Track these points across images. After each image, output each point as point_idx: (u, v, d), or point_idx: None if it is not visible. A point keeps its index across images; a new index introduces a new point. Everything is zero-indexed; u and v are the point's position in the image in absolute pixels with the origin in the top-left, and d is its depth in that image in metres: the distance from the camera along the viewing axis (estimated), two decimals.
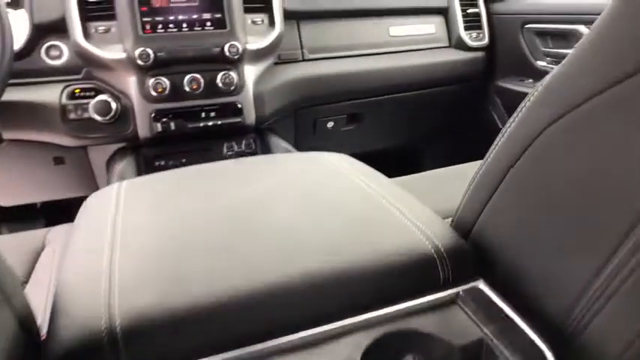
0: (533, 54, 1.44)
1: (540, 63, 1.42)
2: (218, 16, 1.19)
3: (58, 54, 1.16)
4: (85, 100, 1.15)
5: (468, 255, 0.56)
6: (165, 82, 1.13)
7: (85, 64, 1.16)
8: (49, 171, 1.32)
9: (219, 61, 1.18)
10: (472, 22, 1.54)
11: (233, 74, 1.18)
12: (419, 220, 0.58)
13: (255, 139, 1.31)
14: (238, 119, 1.22)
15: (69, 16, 1.10)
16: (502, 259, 0.55)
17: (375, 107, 1.51)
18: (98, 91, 1.16)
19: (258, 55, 1.24)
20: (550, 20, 1.35)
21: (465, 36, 1.52)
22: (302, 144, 1.50)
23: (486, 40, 1.55)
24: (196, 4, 1.17)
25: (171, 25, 1.16)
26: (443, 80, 1.54)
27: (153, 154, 1.23)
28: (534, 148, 0.50)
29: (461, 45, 1.53)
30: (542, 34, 1.40)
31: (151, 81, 1.13)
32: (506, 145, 0.56)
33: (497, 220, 0.56)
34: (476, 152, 1.80)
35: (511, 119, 0.56)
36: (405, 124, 1.70)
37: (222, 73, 1.18)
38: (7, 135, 1.16)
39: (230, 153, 1.29)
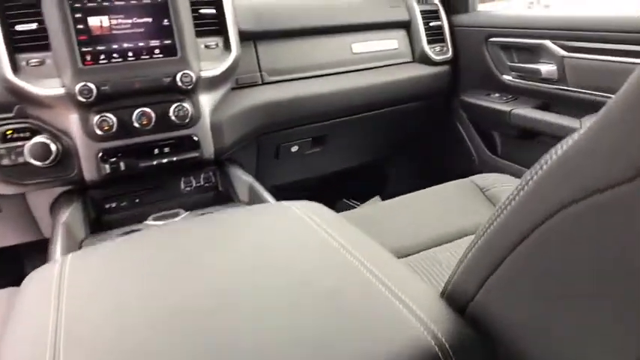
0: (499, 68, 1.41)
1: (506, 77, 1.39)
2: (167, 42, 1.09)
3: None
4: (20, 143, 1.02)
5: (477, 351, 0.49)
6: (112, 118, 1.02)
7: (17, 101, 1.03)
8: None
9: (171, 92, 1.08)
10: (435, 36, 1.49)
11: (187, 105, 1.09)
12: (412, 300, 0.51)
13: (215, 171, 1.21)
14: (195, 154, 1.12)
15: None
16: (510, 347, 0.49)
17: (340, 128, 1.45)
18: (34, 132, 1.04)
19: (213, 83, 1.15)
20: (515, 34, 1.32)
21: (429, 50, 1.47)
22: (265, 171, 1.42)
23: (450, 54, 1.51)
24: (142, 30, 1.07)
25: (115, 55, 1.04)
26: (408, 97, 1.49)
27: (102, 196, 1.12)
28: (549, 228, 0.44)
29: (425, 59, 1.48)
30: (507, 47, 1.37)
31: (96, 118, 1.01)
32: (513, 218, 0.49)
33: (500, 302, 0.50)
34: (443, 166, 1.79)
35: (516, 190, 0.49)
36: (371, 143, 1.64)
37: (175, 104, 1.08)
38: None
39: (188, 189, 1.19)
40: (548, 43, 1.22)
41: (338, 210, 1.99)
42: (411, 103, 1.52)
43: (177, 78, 1.06)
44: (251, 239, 0.65)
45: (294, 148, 1.42)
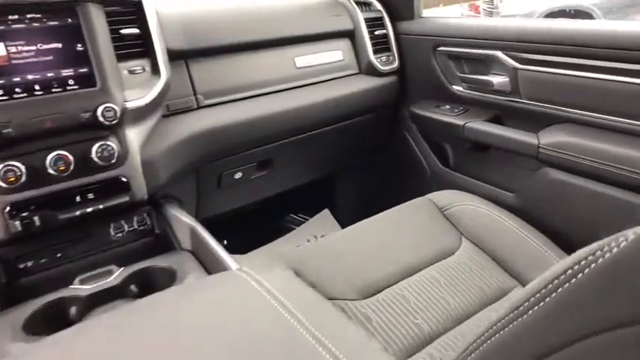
0: (448, 78, 1.35)
1: (456, 88, 1.34)
2: (83, 70, 0.93)
3: None
4: None
5: None
6: (19, 166, 0.85)
7: None
8: None
9: (91, 130, 0.93)
10: (381, 45, 1.41)
11: (112, 143, 0.93)
12: None
13: (150, 212, 1.07)
14: (125, 197, 0.98)
15: None
16: None
17: (287, 149, 1.34)
18: None
19: (142, 113, 1.00)
20: (465, 44, 1.26)
21: (375, 60, 1.39)
22: (206, 201, 1.29)
23: (397, 64, 1.43)
24: (51, 57, 0.90)
25: (17, 90, 0.87)
26: (357, 111, 1.40)
27: (14, 255, 0.95)
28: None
29: (371, 70, 1.40)
30: (456, 57, 1.32)
31: None
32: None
33: None
34: (395, 178, 1.73)
35: (502, 318, 0.40)
36: (319, 160, 1.55)
37: (98, 143, 0.92)
38: None
39: (119, 235, 1.04)
40: (500, 54, 1.17)
41: (286, 226, 1.90)
42: (359, 117, 1.43)
43: (98, 112, 0.91)
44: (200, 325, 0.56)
45: (238, 175, 1.30)
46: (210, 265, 0.94)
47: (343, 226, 1.83)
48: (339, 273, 0.98)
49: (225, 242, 1.71)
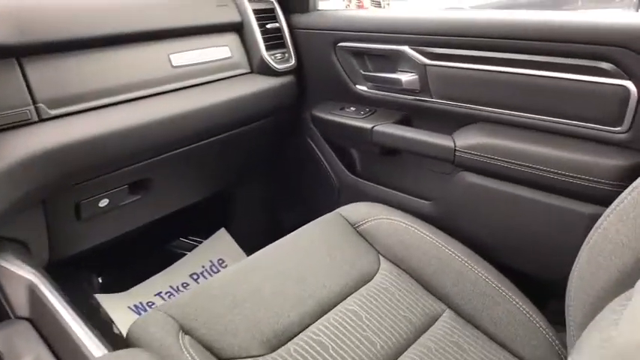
0: (352, 77, 1.21)
1: (361, 87, 1.21)
2: None
3: None
4: None
5: None
6: None
7: None
8: None
9: None
10: (275, 40, 1.23)
11: None
12: None
13: None
14: None
15: None
16: None
17: (166, 166, 1.11)
18: None
19: None
20: (368, 38, 1.13)
21: (269, 57, 1.21)
22: (62, 239, 1.01)
23: (294, 62, 1.26)
24: None
25: None
26: (250, 116, 1.21)
27: None
28: None
29: (265, 69, 1.21)
30: (359, 54, 1.18)
31: None
32: None
33: None
34: (300, 189, 1.55)
35: None
36: (209, 175, 1.33)
37: None
38: None
39: None
40: (407, 49, 1.05)
41: (175, 252, 1.64)
42: (254, 123, 1.24)
43: None
44: None
45: (104, 203, 1.03)
46: (60, 342, 0.69)
47: (243, 245, 1.62)
48: (239, 322, 0.78)
49: (100, 279, 1.42)
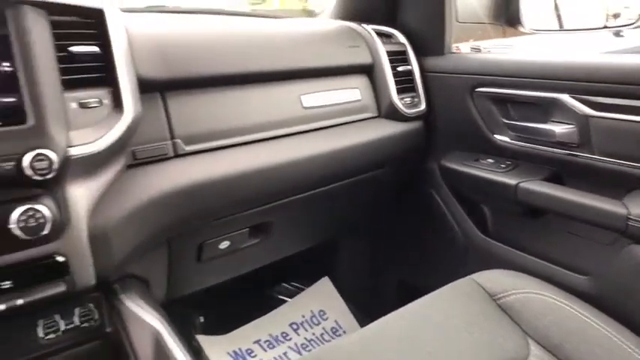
0: (489, 126, 1.10)
1: (499, 137, 1.09)
2: (9, 100, 0.63)
3: None
4: None
5: None
6: None
7: None
8: None
9: (13, 187, 0.63)
10: (404, 84, 1.16)
11: (43, 207, 0.63)
12: None
13: (100, 301, 0.75)
14: (60, 287, 0.67)
15: None
16: None
17: (287, 211, 1.05)
18: None
19: (94, 164, 0.71)
20: (513, 84, 1.02)
21: (398, 101, 1.13)
22: (180, 279, 0.98)
23: (423, 106, 1.18)
24: None
25: None
26: (374, 163, 1.13)
27: None
28: None
29: (393, 113, 1.14)
30: (501, 100, 1.07)
31: None
32: None
33: None
34: (415, 244, 1.44)
35: None
36: (325, 221, 1.26)
37: (23, 208, 0.62)
38: None
39: (51, 337, 0.72)
40: (565, 97, 0.93)
41: (276, 297, 1.58)
42: (377, 169, 1.16)
43: (26, 162, 0.61)
44: None
45: (224, 245, 0.99)
46: None
47: (346, 298, 1.52)
48: None
49: (202, 319, 1.38)
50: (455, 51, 1.20)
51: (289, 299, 1.53)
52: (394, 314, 0.86)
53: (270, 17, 1.29)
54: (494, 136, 1.09)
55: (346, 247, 1.48)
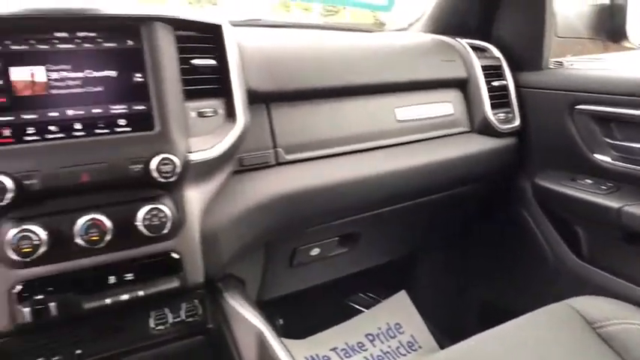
0: (589, 145, 1.05)
1: (600, 157, 1.04)
2: (139, 108, 0.70)
3: None
4: None
5: None
6: (38, 232, 0.62)
7: None
8: None
9: (140, 188, 0.69)
10: (498, 99, 1.14)
11: (165, 207, 0.69)
12: None
13: (204, 298, 0.80)
14: (174, 282, 0.72)
15: None
16: None
17: (376, 222, 1.06)
18: None
19: (209, 169, 0.76)
20: (621, 102, 0.97)
21: (492, 117, 1.11)
22: (273, 282, 1.01)
23: (518, 122, 1.15)
24: (100, 88, 0.68)
25: (52, 128, 0.65)
26: (464, 179, 1.12)
27: (20, 351, 0.69)
28: None
29: (486, 129, 1.12)
30: (603, 119, 1.02)
31: (11, 232, 0.61)
32: None
33: None
34: (499, 263, 1.40)
35: None
36: (410, 235, 1.26)
37: (148, 207, 0.68)
38: None
39: (161, 328, 0.78)
40: None
41: (352, 306, 1.59)
42: (466, 185, 1.14)
43: (152, 165, 0.67)
44: None
45: (315, 252, 1.02)
46: None
47: (422, 313, 1.50)
48: None
49: (281, 321, 1.42)
50: (553, 66, 1.16)
51: (365, 309, 1.53)
52: (484, 335, 0.84)
53: (364, 31, 1.31)
54: (594, 155, 1.05)
55: (427, 262, 1.47)
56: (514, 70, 1.17)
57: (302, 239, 0.97)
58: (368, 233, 1.08)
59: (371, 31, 1.35)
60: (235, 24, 0.85)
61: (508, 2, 1.19)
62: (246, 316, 0.74)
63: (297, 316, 1.46)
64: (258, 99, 0.85)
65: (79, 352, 0.72)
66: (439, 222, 1.28)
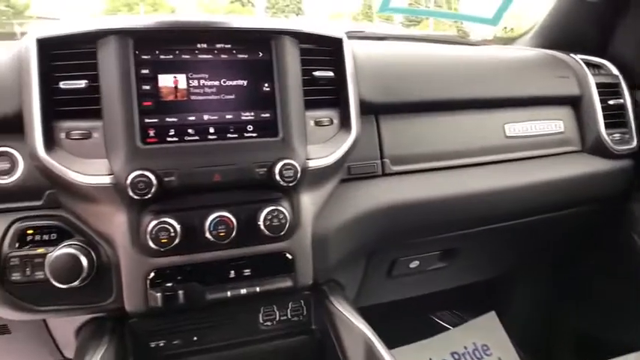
0: None
1: None
2: (265, 115, 0.75)
3: (8, 167, 0.71)
4: (41, 251, 0.69)
5: None
6: (174, 225, 0.68)
7: (49, 186, 0.71)
8: None
9: (263, 190, 0.73)
10: (613, 118, 1.08)
11: (284, 209, 0.73)
12: None
13: (309, 300, 0.83)
14: (288, 281, 0.75)
15: (27, 111, 0.67)
16: None
17: (478, 239, 1.04)
18: (63, 233, 0.71)
19: (322, 175, 0.79)
20: None
21: (607, 137, 1.06)
22: (369, 290, 1.03)
23: (635, 144, 1.08)
24: (232, 96, 0.73)
25: (190, 131, 0.71)
26: (574, 200, 1.07)
27: (146, 331, 0.76)
28: None
29: (599, 149, 1.06)
30: None
31: (152, 224, 0.67)
32: None
33: None
34: (601, 291, 1.31)
35: None
36: (508, 254, 1.22)
37: (270, 208, 0.72)
38: None
39: (268, 324, 0.82)
40: None
41: (437, 322, 1.56)
42: (574, 207, 1.09)
43: (276, 169, 0.71)
44: None
45: (414, 264, 1.02)
46: None
47: (512, 336, 1.44)
48: None
49: None
50: None
51: (450, 327, 1.50)
52: None
53: (470, 44, 1.30)
54: None
55: (521, 285, 1.41)
56: (633, 88, 1.11)
57: (402, 251, 0.97)
58: (467, 250, 1.07)
59: (476, 44, 1.33)
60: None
61: (633, 15, 1.13)
62: (355, 322, 0.76)
63: (381, 326, 1.46)
64: (368, 110, 0.87)
65: (195, 338, 0.78)
66: (541, 244, 1.23)
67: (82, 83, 0.68)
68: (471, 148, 0.96)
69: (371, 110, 0.89)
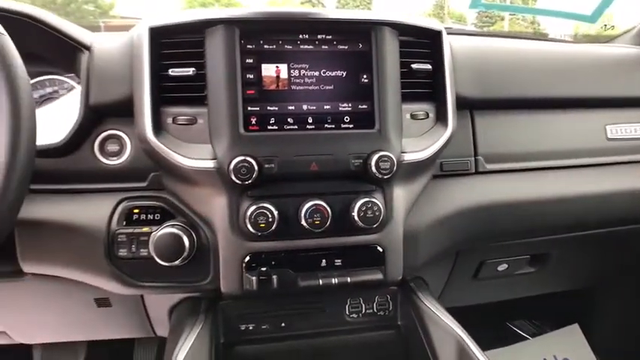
0: None
1: None
2: (363, 107, 0.74)
3: (117, 149, 0.76)
4: (146, 229, 0.73)
5: None
6: (272, 211, 0.69)
7: (153, 168, 0.75)
8: (89, 312, 0.92)
9: (357, 181, 0.73)
10: None
11: (378, 202, 0.72)
12: None
13: (395, 295, 0.82)
14: (378, 274, 0.75)
15: (138, 96, 0.70)
16: None
17: (567, 245, 0.99)
18: (166, 214, 0.74)
19: (416, 170, 0.78)
20: None
21: None
22: (453, 290, 1.00)
23: None
24: (331, 87, 0.74)
25: (290, 120, 0.72)
26: None
27: (237, 314, 0.79)
28: None
29: None
30: None
31: (252, 208, 0.69)
32: None
33: None
34: None
35: None
36: (598, 265, 1.15)
37: (363, 200, 0.72)
38: (29, 268, 0.77)
39: (354, 316, 0.82)
40: None
41: (513, 331, 1.50)
42: None
43: (372, 161, 0.70)
44: None
45: (502, 267, 0.99)
46: None
47: (596, 350, 1.36)
48: None
49: None
50: None
51: (527, 336, 1.44)
52: None
53: (569, 42, 1.24)
54: None
55: (607, 298, 1.33)
56: None
57: (490, 252, 0.94)
58: (559, 256, 1.02)
59: (573, 42, 1.26)
60: None
61: None
62: (446, 321, 0.74)
63: None
64: (464, 105, 0.85)
65: (283, 324, 0.79)
66: (627, 255, 1.14)
67: (189, 71, 0.71)
68: (568, 149, 0.91)
69: (466, 105, 0.86)
